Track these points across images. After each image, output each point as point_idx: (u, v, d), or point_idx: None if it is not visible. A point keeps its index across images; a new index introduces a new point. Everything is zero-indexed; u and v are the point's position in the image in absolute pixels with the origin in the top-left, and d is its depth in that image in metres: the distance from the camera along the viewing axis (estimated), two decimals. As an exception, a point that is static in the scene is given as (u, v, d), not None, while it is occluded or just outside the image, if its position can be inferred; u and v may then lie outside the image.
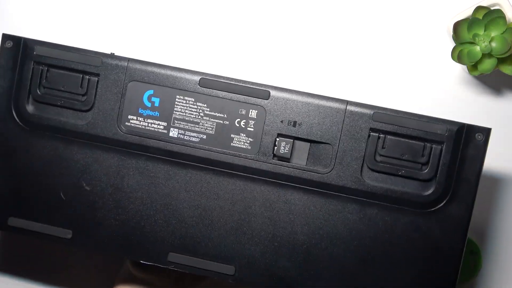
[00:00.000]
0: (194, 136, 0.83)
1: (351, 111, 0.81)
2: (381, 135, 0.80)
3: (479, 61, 0.90)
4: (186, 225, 0.84)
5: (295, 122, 0.81)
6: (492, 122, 1.00)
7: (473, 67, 0.92)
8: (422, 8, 0.99)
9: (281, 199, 0.83)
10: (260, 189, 0.83)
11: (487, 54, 0.90)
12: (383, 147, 0.81)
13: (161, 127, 0.83)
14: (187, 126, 0.83)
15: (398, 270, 0.81)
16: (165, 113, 0.84)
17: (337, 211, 0.81)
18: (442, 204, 0.81)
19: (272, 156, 0.83)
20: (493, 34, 0.89)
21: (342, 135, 0.81)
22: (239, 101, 0.82)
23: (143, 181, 0.84)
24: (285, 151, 0.81)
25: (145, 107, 0.83)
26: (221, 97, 0.82)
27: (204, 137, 0.83)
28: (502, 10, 0.92)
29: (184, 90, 0.82)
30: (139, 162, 0.85)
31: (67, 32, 1.11)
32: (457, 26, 0.90)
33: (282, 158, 0.83)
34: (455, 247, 0.80)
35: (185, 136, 0.83)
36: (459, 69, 1.00)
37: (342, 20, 1.04)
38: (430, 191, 0.80)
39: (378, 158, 0.81)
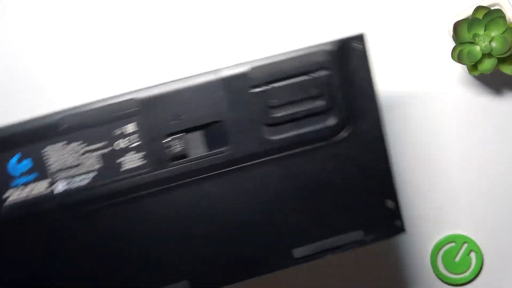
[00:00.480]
0: (82, 179, 0.66)
1: (227, 77, 0.66)
2: (266, 87, 0.66)
3: (479, 61, 0.77)
4: (122, 268, 0.68)
5: (177, 115, 0.65)
6: (492, 122, 0.84)
7: (473, 67, 0.78)
8: (422, 8, 0.84)
9: (200, 196, 0.67)
10: (174, 197, 0.67)
11: (487, 54, 0.76)
12: (272, 98, 0.66)
13: (44, 187, 0.66)
14: (71, 173, 0.66)
15: (341, 205, 0.68)
16: (43, 171, 0.67)
17: (258, 180, 0.67)
18: (351, 126, 0.67)
19: (169, 160, 0.66)
20: (493, 34, 0.76)
21: (228, 105, 0.66)
22: (111, 122, 0.66)
23: (56, 253, 0.67)
24: (180, 148, 0.66)
25: (19, 175, 0.66)
26: (91, 127, 0.66)
27: (94, 174, 0.67)
28: (502, 10, 0.77)
29: (50, 137, 0.66)
30: (38, 235, 0.67)
31: None
32: (457, 26, 0.78)
33: (180, 157, 0.67)
34: (381, 161, 0.67)
35: (73, 184, 0.66)
36: (459, 69, 0.84)
37: (342, 19, 0.86)
38: (335, 119, 0.67)
39: (272, 111, 0.67)
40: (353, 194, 0.67)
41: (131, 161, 0.66)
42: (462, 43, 0.77)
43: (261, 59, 0.65)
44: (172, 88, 0.65)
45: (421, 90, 0.85)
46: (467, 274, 0.83)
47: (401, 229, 0.65)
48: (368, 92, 0.66)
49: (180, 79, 0.65)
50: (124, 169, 0.66)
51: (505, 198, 0.84)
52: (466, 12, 0.79)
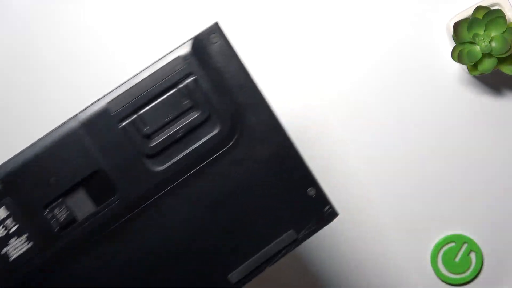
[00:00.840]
0: (-29, 289, 0.40)
1: (87, 120, 0.46)
2: (134, 116, 0.47)
3: (479, 61, 0.63)
4: None
5: (47, 181, 0.46)
6: (492, 122, 0.69)
7: (473, 67, 0.64)
8: (422, 8, 0.69)
9: (109, 255, 0.47)
10: (80, 267, 0.47)
11: (487, 54, 0.62)
12: (145, 126, 0.47)
13: None
14: None
15: (263, 211, 0.49)
16: None
17: (165, 217, 0.48)
18: (241, 125, 0.48)
19: (58, 231, 0.46)
20: (493, 34, 0.63)
21: (100, 150, 0.46)
22: (-24, 215, 0.40)
23: None
24: (64, 215, 0.47)
25: None
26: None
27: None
28: (502, 10, 0.64)
29: None
30: None
31: None
32: (457, 26, 0.64)
33: (68, 224, 0.47)
34: (286, 150, 0.49)
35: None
36: (459, 69, 0.69)
37: (340, 20, 0.71)
38: (220, 125, 0.48)
39: (150, 140, 0.47)
40: (271, 195, 0.49)
41: (17, 248, 0.47)
42: (462, 43, 0.63)
43: (118, 87, 0.46)
44: (31, 153, 0.46)
45: (421, 90, 0.70)
46: (467, 274, 0.69)
47: (332, 214, 0.48)
48: (246, 82, 0.48)
49: (37, 141, 0.46)
50: (12, 258, 0.47)
51: (505, 198, 0.68)
52: (466, 12, 0.65)
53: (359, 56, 0.70)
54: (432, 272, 0.69)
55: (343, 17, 0.70)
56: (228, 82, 0.47)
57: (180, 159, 0.47)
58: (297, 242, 0.48)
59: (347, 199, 0.69)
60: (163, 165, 0.47)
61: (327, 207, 0.48)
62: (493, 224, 0.69)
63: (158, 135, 0.47)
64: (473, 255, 0.69)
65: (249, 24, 0.70)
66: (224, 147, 0.48)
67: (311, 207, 0.49)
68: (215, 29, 0.46)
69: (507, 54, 0.61)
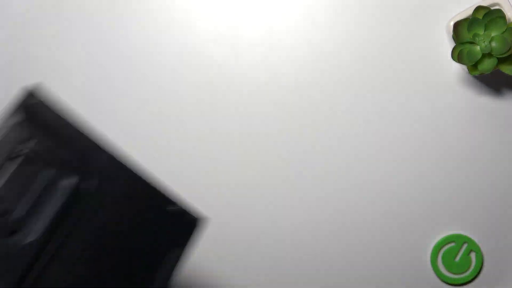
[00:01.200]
0: None
1: None
2: None
3: (479, 61, 0.57)
4: None
5: None
6: (492, 122, 0.62)
7: (473, 67, 0.57)
8: (422, 8, 0.61)
9: None
10: None
11: (487, 54, 0.56)
12: (3, 202, 0.38)
13: None
14: None
15: (142, 243, 0.44)
16: None
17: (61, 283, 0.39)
18: (94, 169, 0.42)
19: None
20: (493, 34, 0.56)
21: None
22: None
23: None
24: None
25: None
26: None
27: None
28: (502, 10, 0.58)
29: None
30: None
31: None
32: (457, 26, 0.57)
33: None
34: (136, 180, 0.44)
35: None
36: (459, 69, 0.61)
37: (339, 21, 0.63)
38: (75, 175, 0.43)
39: (10, 215, 0.39)
40: (143, 225, 0.44)
41: None
42: (462, 43, 0.57)
43: None
44: None
45: (421, 90, 0.63)
46: (467, 274, 0.61)
47: (194, 219, 0.45)
48: (76, 133, 0.43)
49: None
50: None
51: (505, 198, 0.62)
52: (466, 12, 0.59)
53: (358, 56, 0.64)
54: (432, 272, 0.62)
55: (343, 18, 0.64)
56: (66, 134, 0.43)
57: (48, 222, 0.40)
58: (182, 256, 0.45)
59: (347, 200, 0.63)
60: (33, 235, 0.41)
61: (187, 216, 0.45)
62: (493, 224, 0.62)
63: (18, 207, 0.40)
64: (473, 255, 0.61)
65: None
66: (87, 195, 0.42)
67: (177, 221, 0.45)
68: (34, 91, 0.41)
69: (507, 54, 0.55)
